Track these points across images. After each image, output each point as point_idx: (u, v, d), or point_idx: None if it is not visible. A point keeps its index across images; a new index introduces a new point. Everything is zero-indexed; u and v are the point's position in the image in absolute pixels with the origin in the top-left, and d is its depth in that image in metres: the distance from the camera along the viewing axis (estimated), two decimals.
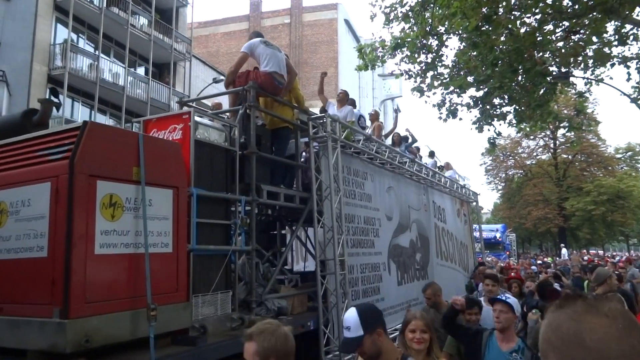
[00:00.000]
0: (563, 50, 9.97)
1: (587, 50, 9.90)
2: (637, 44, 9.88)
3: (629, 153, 41.86)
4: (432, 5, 9.48)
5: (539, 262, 21.00)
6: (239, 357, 2.17)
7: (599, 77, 10.80)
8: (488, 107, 10.88)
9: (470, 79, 10.37)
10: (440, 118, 11.05)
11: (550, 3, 9.05)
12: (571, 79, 10.79)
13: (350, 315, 2.39)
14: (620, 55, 9.88)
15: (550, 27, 9.53)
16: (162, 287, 3.59)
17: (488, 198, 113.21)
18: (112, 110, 19.69)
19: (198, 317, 4.05)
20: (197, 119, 4.52)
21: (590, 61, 10.10)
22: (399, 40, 10.17)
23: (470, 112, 11.07)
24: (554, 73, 10.22)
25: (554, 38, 9.76)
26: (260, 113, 5.97)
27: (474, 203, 15.54)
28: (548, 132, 37.19)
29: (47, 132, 3.60)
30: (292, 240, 6.88)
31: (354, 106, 8.42)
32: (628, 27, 9.33)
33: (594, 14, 8.67)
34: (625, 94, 11.58)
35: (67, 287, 2.99)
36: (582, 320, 0.97)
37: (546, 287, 6.30)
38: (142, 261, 3.43)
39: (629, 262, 16.69)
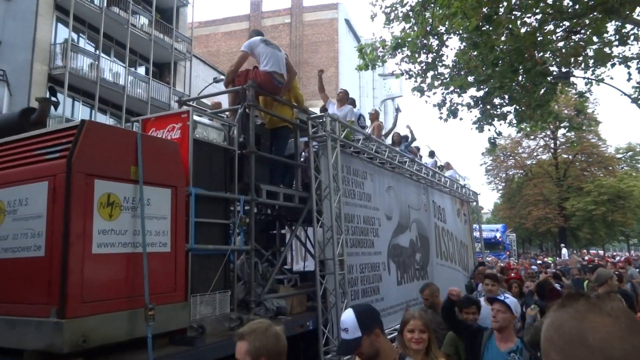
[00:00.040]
0: (563, 50, 9.97)
1: (588, 50, 9.89)
2: (637, 44, 9.88)
3: (630, 153, 41.80)
4: (432, 5, 9.47)
5: (539, 262, 20.97)
6: None
7: (600, 77, 10.79)
8: (488, 107, 10.87)
9: (470, 78, 10.37)
10: (440, 118, 11.06)
11: (551, 3, 9.04)
12: (572, 79, 10.78)
13: (348, 317, 2.37)
14: (620, 55, 9.87)
15: (550, 27, 9.52)
16: (160, 287, 3.57)
17: (488, 198, 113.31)
18: (113, 109, 19.69)
19: (196, 317, 4.04)
20: (196, 118, 4.51)
21: (591, 61, 10.09)
22: (400, 40, 10.16)
23: (471, 112, 11.09)
24: (555, 73, 10.22)
25: (555, 38, 9.75)
26: (259, 112, 5.97)
27: (474, 203, 15.52)
28: (548, 132, 37.14)
29: (45, 131, 3.59)
30: (291, 240, 6.86)
31: (354, 105, 8.41)
32: (628, 27, 9.32)
33: (595, 14, 8.66)
34: (625, 94, 11.56)
35: (64, 286, 2.98)
36: (585, 319, 0.97)
37: (545, 287, 6.29)
38: (140, 261, 3.42)
39: (628, 263, 16.65)
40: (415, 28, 10.00)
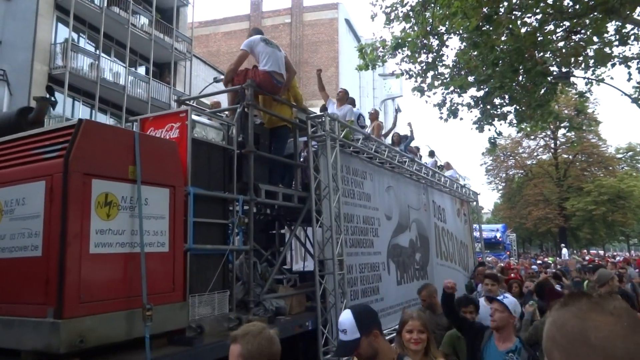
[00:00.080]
0: (564, 50, 9.96)
1: (588, 50, 9.89)
2: (637, 44, 9.88)
3: (630, 153, 41.80)
4: (432, 5, 9.46)
5: (539, 262, 20.97)
6: None
7: (600, 77, 10.78)
8: (489, 107, 10.87)
9: (470, 78, 10.36)
10: (440, 118, 11.06)
11: (551, 3, 9.04)
12: (572, 79, 10.78)
13: (346, 318, 2.35)
14: (621, 55, 9.87)
15: (551, 27, 9.52)
16: (158, 287, 3.56)
17: (488, 198, 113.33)
18: (113, 109, 19.68)
19: (195, 317, 4.02)
20: (194, 117, 4.50)
21: (591, 61, 10.09)
22: (400, 40, 10.16)
23: (471, 112, 11.10)
24: (555, 73, 10.21)
25: (555, 38, 9.75)
26: (258, 112, 5.95)
27: (474, 203, 15.51)
28: (549, 132, 37.15)
29: (42, 130, 3.58)
30: (290, 240, 6.85)
31: (354, 105, 8.40)
32: (629, 27, 9.32)
33: (595, 14, 8.65)
34: (626, 94, 11.55)
35: (61, 286, 2.96)
36: (587, 318, 0.97)
37: (544, 287, 6.28)
38: (137, 261, 3.40)
39: (627, 263, 16.64)
40: (416, 28, 10.00)
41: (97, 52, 18.62)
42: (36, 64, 16.61)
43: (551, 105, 11.17)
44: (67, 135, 3.23)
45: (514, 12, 9.05)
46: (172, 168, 3.88)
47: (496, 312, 3.61)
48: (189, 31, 24.61)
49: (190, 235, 4.05)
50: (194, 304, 4.06)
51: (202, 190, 4.32)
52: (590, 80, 10.97)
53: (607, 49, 9.63)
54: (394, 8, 10.07)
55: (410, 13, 9.90)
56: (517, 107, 10.97)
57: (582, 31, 9.50)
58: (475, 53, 9.77)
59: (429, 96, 10.76)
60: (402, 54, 10.39)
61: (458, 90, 10.50)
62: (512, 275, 9.64)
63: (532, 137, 39.23)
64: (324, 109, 8.07)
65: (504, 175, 44.77)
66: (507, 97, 10.70)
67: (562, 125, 16.14)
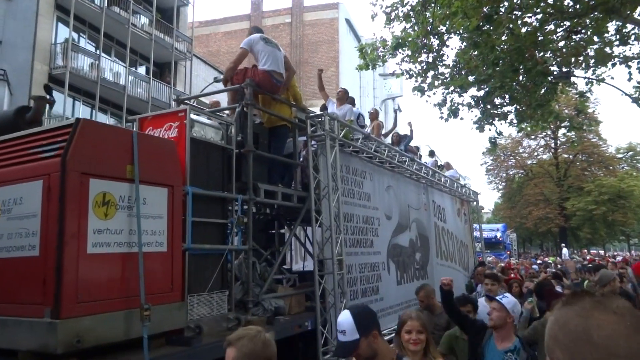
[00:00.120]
0: (564, 50, 9.94)
1: (588, 50, 9.87)
2: (638, 43, 9.85)
3: (630, 153, 41.76)
4: (433, 5, 9.44)
5: (539, 262, 20.95)
6: None
7: (600, 77, 10.75)
8: (489, 106, 10.85)
9: (471, 78, 10.34)
10: (441, 118, 11.03)
11: (552, 3, 9.02)
12: (572, 78, 10.76)
13: (345, 319, 2.34)
14: (621, 55, 9.84)
15: (551, 26, 9.50)
16: (156, 287, 3.54)
17: (489, 198, 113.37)
18: (113, 109, 19.66)
19: (193, 317, 4.01)
20: (193, 116, 4.48)
21: (592, 61, 10.06)
22: (400, 40, 10.14)
23: (471, 111, 11.07)
24: (555, 73, 10.19)
25: (555, 38, 9.73)
26: (258, 111, 5.93)
27: (475, 202, 15.49)
28: (549, 132, 37.14)
29: (40, 130, 3.57)
30: (289, 240, 6.83)
31: (354, 105, 8.38)
32: (629, 27, 9.30)
33: (595, 13, 8.63)
34: (626, 94, 11.52)
35: (58, 286, 2.95)
36: (590, 317, 0.96)
37: (544, 287, 6.26)
38: (135, 260, 3.39)
39: (625, 263, 16.62)
40: (416, 28, 9.98)
41: (98, 52, 18.61)
42: (36, 63, 16.60)
43: (551, 105, 11.15)
44: (64, 135, 3.22)
45: (514, 12, 9.04)
46: (170, 167, 3.87)
47: (494, 311, 3.64)
48: (189, 31, 24.60)
49: (188, 235, 4.03)
50: (193, 304, 4.05)
51: (200, 190, 4.30)
52: (590, 80, 10.94)
53: (607, 49, 9.61)
54: (394, 8, 10.06)
55: (411, 13, 9.88)
56: (518, 107, 10.95)
57: (583, 31, 9.48)
58: (476, 53, 9.75)
59: (429, 96, 10.75)
60: (403, 53, 10.37)
61: (458, 90, 10.48)
62: (512, 275, 9.63)
63: (533, 136, 39.22)
64: (323, 108, 8.06)
65: (504, 175, 44.76)
66: (507, 96, 10.68)
67: (562, 125, 16.14)
